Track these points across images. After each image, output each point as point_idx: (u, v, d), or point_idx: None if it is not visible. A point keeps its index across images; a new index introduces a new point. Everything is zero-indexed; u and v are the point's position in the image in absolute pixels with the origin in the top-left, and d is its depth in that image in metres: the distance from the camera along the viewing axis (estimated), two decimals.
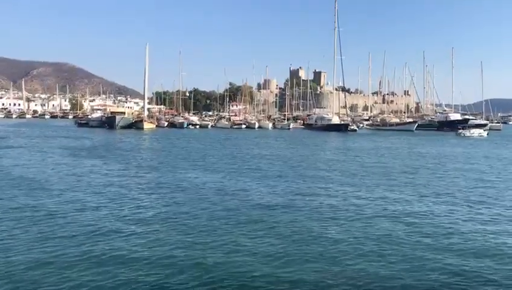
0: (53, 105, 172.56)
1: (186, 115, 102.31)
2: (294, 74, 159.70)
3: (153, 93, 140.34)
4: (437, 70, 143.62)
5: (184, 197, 15.16)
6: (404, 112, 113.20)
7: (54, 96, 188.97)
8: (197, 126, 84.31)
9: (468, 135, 64.36)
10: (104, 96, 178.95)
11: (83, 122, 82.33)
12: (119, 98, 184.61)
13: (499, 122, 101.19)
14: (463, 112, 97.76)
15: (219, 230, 10.92)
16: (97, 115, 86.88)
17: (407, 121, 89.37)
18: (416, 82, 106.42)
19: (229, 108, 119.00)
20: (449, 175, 22.37)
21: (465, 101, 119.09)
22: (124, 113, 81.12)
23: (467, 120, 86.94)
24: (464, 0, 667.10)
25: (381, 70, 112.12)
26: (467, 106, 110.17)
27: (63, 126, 79.53)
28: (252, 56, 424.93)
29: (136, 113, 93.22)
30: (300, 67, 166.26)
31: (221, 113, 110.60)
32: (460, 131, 67.57)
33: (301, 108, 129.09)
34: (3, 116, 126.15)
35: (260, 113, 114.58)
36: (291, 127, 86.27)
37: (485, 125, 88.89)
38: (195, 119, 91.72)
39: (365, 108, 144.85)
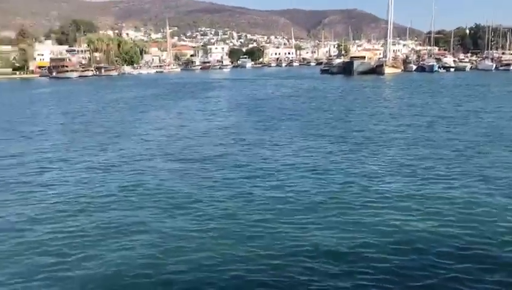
0: (326, 52, 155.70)
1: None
2: None
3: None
4: None
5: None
6: None
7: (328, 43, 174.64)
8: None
9: None
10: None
11: (325, 69, 79.37)
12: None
13: None
14: None
15: None
16: (339, 60, 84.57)
17: None
18: None
19: None
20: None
21: None
22: (364, 58, 74.95)
23: None
24: None
25: None
26: None
27: (308, 74, 77.90)
28: None
29: (376, 57, 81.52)
30: None
31: None
32: None
33: None
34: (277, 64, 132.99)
35: None
36: None
37: None
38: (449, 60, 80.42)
39: None
